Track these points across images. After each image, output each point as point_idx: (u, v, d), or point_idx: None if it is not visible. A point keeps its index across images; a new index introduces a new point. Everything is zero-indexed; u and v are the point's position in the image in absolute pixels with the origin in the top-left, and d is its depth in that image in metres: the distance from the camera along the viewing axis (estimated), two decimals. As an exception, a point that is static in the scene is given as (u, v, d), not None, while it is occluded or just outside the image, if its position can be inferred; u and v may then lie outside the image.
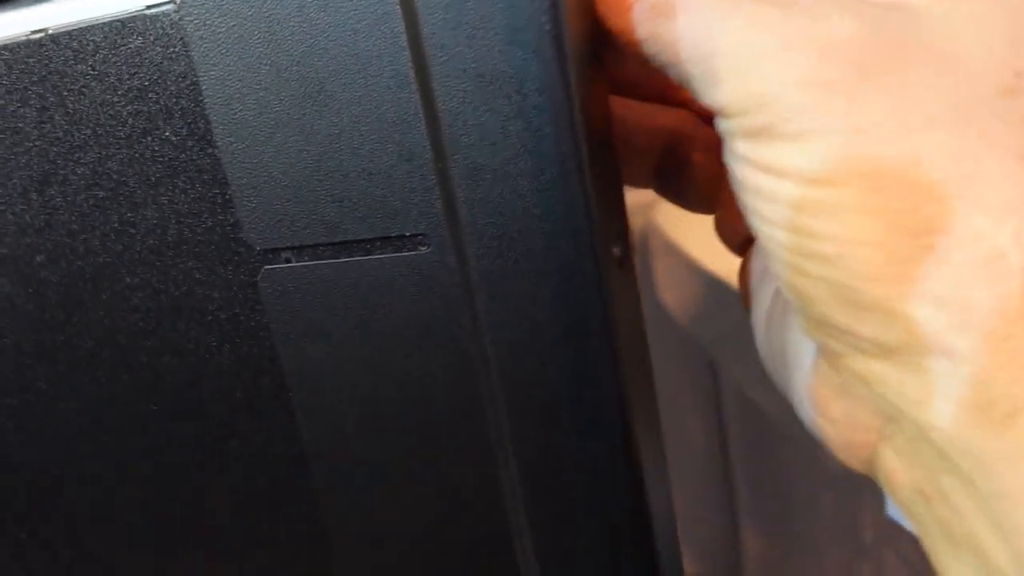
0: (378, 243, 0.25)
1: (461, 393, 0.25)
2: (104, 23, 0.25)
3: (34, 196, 0.27)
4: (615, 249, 0.22)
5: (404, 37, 0.22)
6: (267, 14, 0.23)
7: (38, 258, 0.28)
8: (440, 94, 0.22)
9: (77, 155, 0.26)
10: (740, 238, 0.28)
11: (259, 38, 0.23)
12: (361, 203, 0.24)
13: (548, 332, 0.23)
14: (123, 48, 0.25)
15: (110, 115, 0.26)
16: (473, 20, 0.21)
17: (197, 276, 0.27)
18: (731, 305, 0.53)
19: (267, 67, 0.24)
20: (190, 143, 0.25)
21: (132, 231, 0.27)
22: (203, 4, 0.23)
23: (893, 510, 0.45)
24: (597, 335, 0.22)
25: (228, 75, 0.24)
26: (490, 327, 0.24)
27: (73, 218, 0.27)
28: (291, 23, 0.23)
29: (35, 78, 0.26)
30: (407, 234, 0.24)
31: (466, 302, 0.24)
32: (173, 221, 0.26)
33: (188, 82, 0.25)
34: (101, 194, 0.27)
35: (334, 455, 0.27)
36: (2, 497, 0.31)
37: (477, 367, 0.25)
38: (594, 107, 0.22)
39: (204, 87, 0.24)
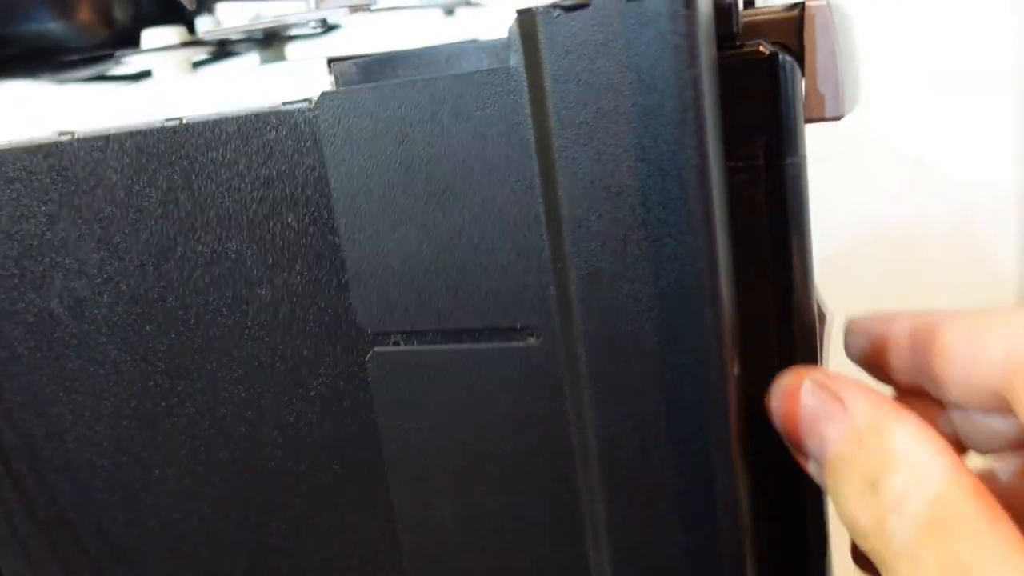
0: (487, 333, 0.26)
1: (559, 485, 0.26)
2: (239, 116, 0.26)
3: (151, 270, 0.29)
4: (734, 368, 0.23)
5: (532, 146, 0.23)
6: (400, 117, 0.24)
7: (148, 327, 0.29)
8: (565, 201, 0.23)
9: (198, 234, 0.28)
10: None
11: (391, 138, 0.25)
12: (474, 294, 0.25)
13: (656, 435, 0.24)
14: (255, 140, 0.26)
15: (235, 200, 0.27)
16: (604, 136, 0.22)
17: (305, 353, 0.28)
18: None
19: (395, 165, 0.25)
20: (312, 230, 0.27)
21: (244, 307, 0.28)
22: (338, 104, 0.25)
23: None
24: (713, 446, 0.23)
25: (357, 170, 0.25)
26: (595, 423, 0.25)
27: (187, 292, 0.28)
28: (423, 127, 0.24)
29: (164, 162, 0.27)
30: (517, 326, 0.25)
31: (572, 396, 0.25)
32: (286, 301, 0.28)
33: (316, 174, 0.26)
34: (217, 271, 0.28)
35: (427, 535, 0.28)
36: (92, 563, 0.32)
37: (577, 461, 0.26)
38: (724, 213, 0.23)
39: (332, 180, 0.26)
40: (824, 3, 0.23)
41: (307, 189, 0.26)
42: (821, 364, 0.28)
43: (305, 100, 0.25)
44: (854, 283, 0.65)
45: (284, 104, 0.26)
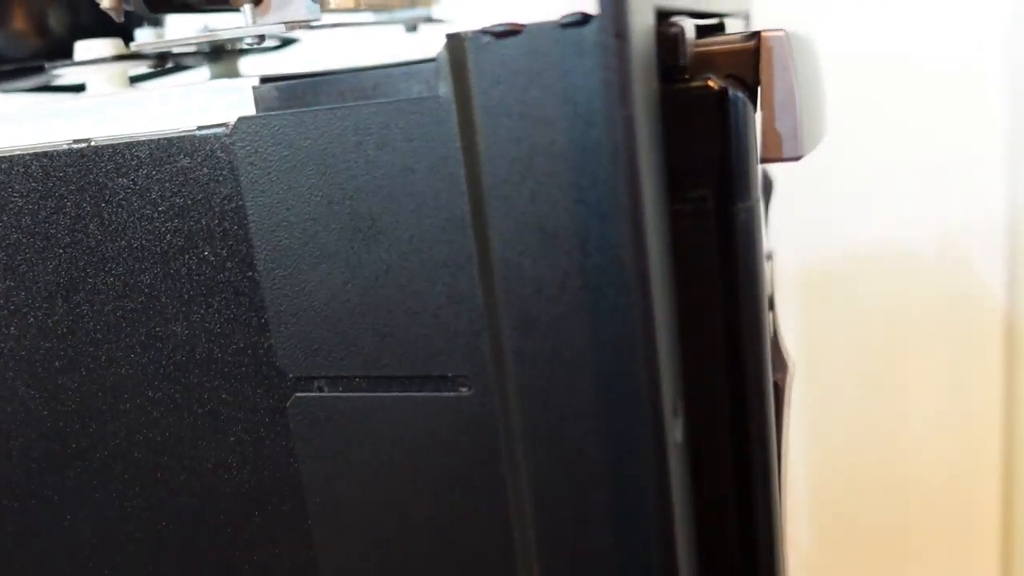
0: (417, 381, 0.24)
1: (491, 541, 0.24)
2: (151, 140, 0.24)
3: (59, 302, 0.26)
4: (674, 413, 0.21)
5: (463, 183, 0.22)
6: (322, 147, 0.22)
7: (57, 363, 0.27)
8: (496, 243, 0.21)
9: (109, 266, 0.26)
10: None
11: (312, 169, 0.23)
12: (403, 340, 0.23)
13: (593, 495, 0.22)
14: (168, 166, 0.24)
15: (148, 230, 0.25)
16: (539, 175, 0.20)
17: (223, 396, 0.26)
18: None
19: (317, 198, 0.23)
20: (229, 264, 0.25)
21: (159, 345, 0.26)
22: (256, 131, 0.23)
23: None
24: (650, 502, 0.21)
25: (276, 202, 0.23)
26: (530, 481, 0.23)
27: (98, 327, 0.26)
28: (346, 157, 0.22)
29: (72, 187, 0.25)
30: (448, 375, 0.23)
31: (507, 449, 0.23)
32: (203, 339, 0.25)
33: (233, 205, 0.24)
34: (130, 306, 0.26)
35: (353, 592, 0.26)
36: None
37: (512, 516, 0.23)
38: (666, 263, 0.21)
39: (250, 212, 0.24)
40: (782, 34, 0.21)
41: (224, 221, 0.24)
42: (781, 417, 0.26)
43: (221, 125, 0.23)
44: (841, 305, 0.64)
45: (199, 129, 0.24)
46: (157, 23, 0.42)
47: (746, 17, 0.47)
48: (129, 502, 0.28)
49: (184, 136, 0.24)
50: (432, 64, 0.21)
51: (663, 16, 0.21)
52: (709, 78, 0.20)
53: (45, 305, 0.27)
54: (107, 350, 0.27)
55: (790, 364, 0.27)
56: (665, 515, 0.20)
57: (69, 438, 0.28)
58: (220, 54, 0.40)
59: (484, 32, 0.20)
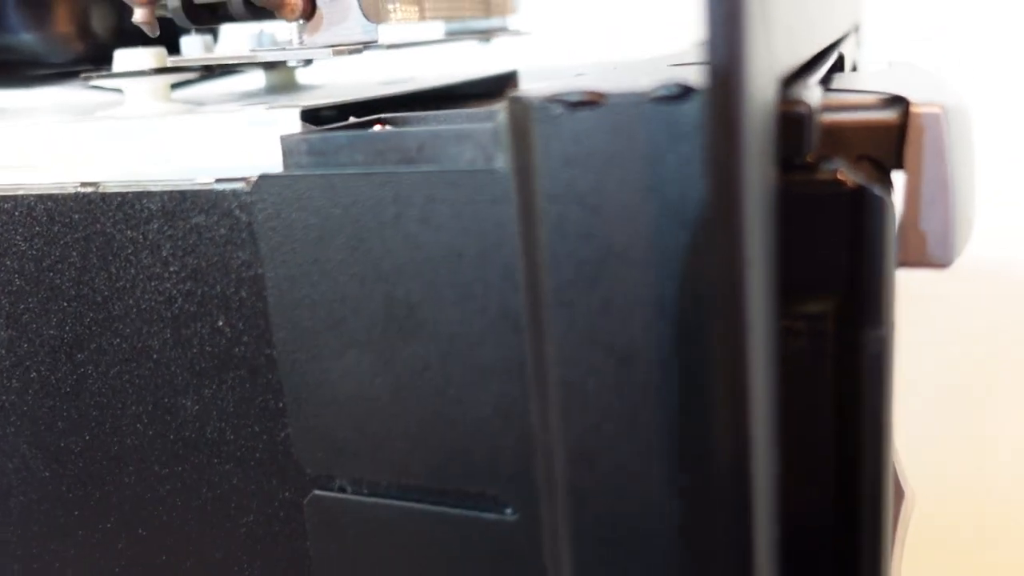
0: (453, 495, 0.20)
1: None
2: (164, 192, 0.21)
3: (64, 358, 0.23)
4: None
5: (520, 278, 0.17)
6: (355, 217, 0.19)
7: (60, 424, 0.24)
8: (555, 356, 0.17)
9: (116, 325, 0.22)
10: None
11: (342, 242, 0.19)
12: (439, 448, 0.20)
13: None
14: (182, 222, 0.21)
15: (158, 290, 0.22)
16: (613, 282, 0.16)
17: (235, 482, 0.23)
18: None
19: (347, 275, 0.19)
20: (245, 338, 0.21)
21: (167, 418, 0.23)
22: (279, 191, 0.19)
23: None
24: None
25: (299, 275, 0.20)
26: (580, 631, 0.19)
27: (104, 390, 0.23)
28: (383, 232, 0.19)
29: (79, 235, 0.22)
30: (491, 493, 0.20)
31: (553, 589, 0.19)
32: (215, 417, 0.22)
33: (252, 272, 0.20)
34: (137, 372, 0.23)
35: None
36: None
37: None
38: (764, 404, 0.17)
39: (270, 283, 0.20)
40: (938, 111, 0.17)
41: (241, 289, 0.21)
42: (895, 556, 0.21)
43: (241, 180, 0.20)
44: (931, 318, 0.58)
45: (217, 182, 0.20)
46: (209, 28, 0.38)
47: (856, 30, 0.42)
48: (132, 581, 0.25)
49: (200, 190, 0.20)
50: (490, 127, 0.17)
51: (784, 83, 0.16)
52: (838, 169, 0.16)
53: (49, 360, 0.24)
54: (112, 416, 0.23)
55: (908, 492, 0.22)
56: None
57: (72, 504, 0.25)
58: (275, 63, 0.37)
59: (556, 99, 0.16)
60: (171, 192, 0.21)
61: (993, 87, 0.55)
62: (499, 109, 0.17)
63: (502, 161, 0.17)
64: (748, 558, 0.16)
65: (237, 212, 0.20)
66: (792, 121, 0.15)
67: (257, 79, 0.40)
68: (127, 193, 0.21)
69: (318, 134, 0.19)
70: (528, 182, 0.16)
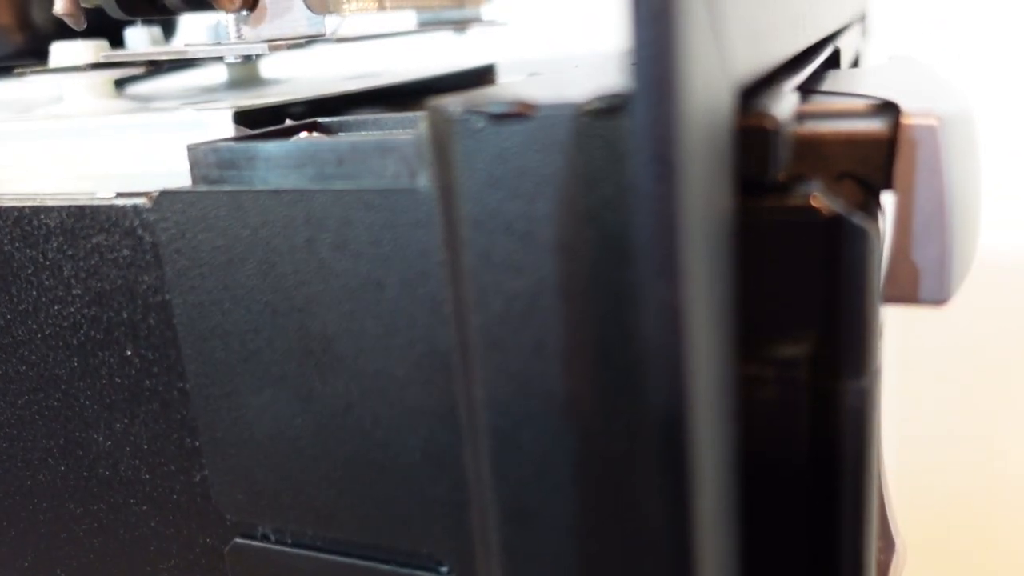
0: (383, 549, 0.18)
1: None
2: (61, 207, 0.18)
3: (-31, 386, 0.21)
4: None
5: (447, 309, 0.15)
6: (266, 240, 0.16)
7: (-29, 455, 0.22)
8: (486, 403, 0.15)
9: (21, 351, 0.20)
10: None
11: (252, 267, 0.17)
12: (366, 498, 0.17)
13: None
14: (82, 241, 0.18)
15: (62, 315, 0.19)
16: (547, 321, 0.14)
17: (153, 524, 0.20)
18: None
19: (259, 305, 0.17)
20: (155, 370, 0.19)
21: (80, 453, 0.21)
22: (183, 209, 0.17)
23: None
24: None
25: (208, 302, 0.17)
26: None
27: (12, 421, 0.21)
28: (295, 257, 0.16)
29: (-24, 253, 0.20)
30: (423, 551, 0.17)
31: (493, 659, 0.17)
32: (128, 454, 0.20)
33: (159, 298, 0.18)
34: (46, 403, 0.21)
35: None
36: None
37: None
38: (727, 459, 0.14)
39: (177, 310, 0.18)
40: (934, 123, 0.14)
41: (149, 316, 0.18)
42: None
43: (143, 195, 0.18)
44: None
45: (118, 196, 0.18)
46: (163, 20, 0.36)
47: (862, 19, 0.39)
48: (51, 625, 0.23)
49: (100, 206, 0.18)
50: (412, 139, 0.15)
51: (749, 91, 0.14)
52: (812, 194, 0.13)
53: (-46, 387, 0.22)
54: (23, 449, 0.21)
55: (899, 544, 0.20)
56: None
57: (-12, 541, 0.23)
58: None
59: (477, 111, 0.13)
60: (69, 208, 0.18)
61: (996, 79, 0.52)
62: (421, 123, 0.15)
63: (425, 179, 0.15)
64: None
65: (140, 231, 0.18)
66: (755, 136, 0.13)
67: (220, 72, 0.37)
68: (24, 208, 0.19)
69: (227, 143, 0.17)
70: (451, 205, 0.14)
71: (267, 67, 0.37)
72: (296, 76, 0.37)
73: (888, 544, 0.20)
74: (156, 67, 0.31)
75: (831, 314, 0.14)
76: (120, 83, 0.30)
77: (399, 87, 0.27)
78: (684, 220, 0.10)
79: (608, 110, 0.12)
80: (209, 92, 0.31)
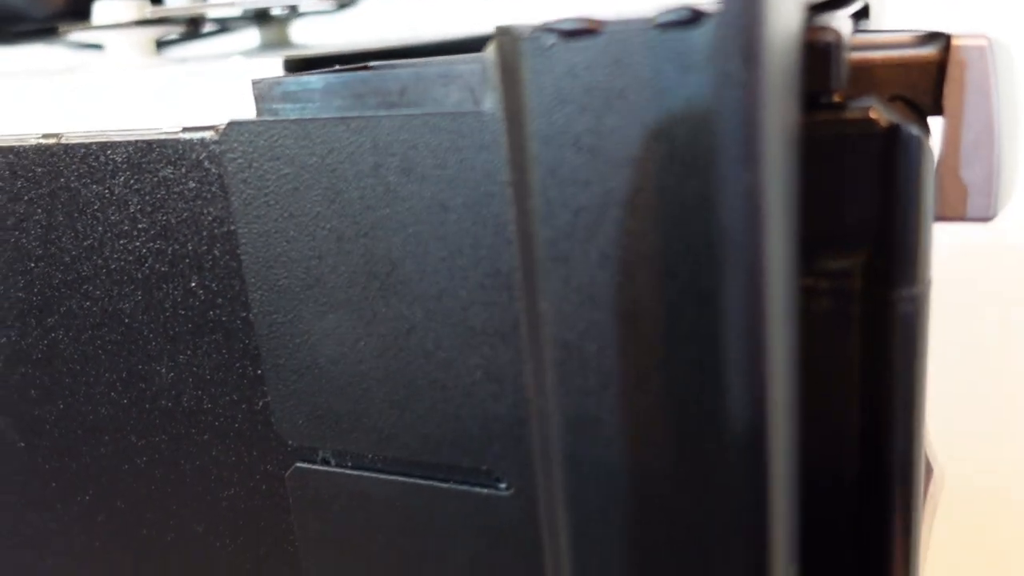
0: (443, 469, 0.19)
1: None
2: (129, 142, 0.19)
3: (33, 323, 0.22)
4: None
5: (512, 231, 0.16)
6: (331, 167, 0.17)
7: (33, 392, 0.23)
8: (551, 316, 0.15)
9: (85, 287, 0.21)
10: None
11: (318, 194, 0.17)
12: (426, 418, 0.18)
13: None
14: (149, 176, 0.19)
15: (127, 250, 0.20)
16: (613, 234, 0.14)
17: (213, 453, 0.21)
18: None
19: (324, 231, 0.18)
20: (220, 300, 0.20)
21: (142, 386, 0.21)
22: (250, 140, 0.18)
23: None
24: None
25: (274, 231, 0.18)
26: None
27: (75, 357, 0.22)
28: (361, 183, 0.17)
29: (43, 191, 0.20)
30: (483, 467, 0.18)
31: (550, 570, 0.18)
32: (191, 385, 0.21)
33: (224, 229, 0.19)
34: (109, 337, 0.21)
35: None
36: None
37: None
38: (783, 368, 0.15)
39: (243, 240, 0.18)
40: (984, 43, 0.15)
41: (214, 247, 0.19)
42: (923, 535, 0.19)
43: (210, 128, 0.18)
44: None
45: (184, 131, 0.19)
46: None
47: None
48: (112, 556, 0.24)
49: (167, 140, 0.19)
50: (478, 66, 0.16)
51: (812, 8, 0.15)
52: (870, 107, 0.14)
53: (18, 324, 0.22)
54: (85, 384, 0.22)
55: (937, 470, 0.20)
56: None
57: (48, 476, 0.24)
58: (266, 18, 0.35)
59: (547, 29, 0.14)
60: (136, 143, 0.19)
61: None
62: (489, 47, 0.15)
63: (491, 102, 0.15)
64: (763, 530, 0.14)
65: (207, 163, 0.18)
66: (819, 52, 0.14)
67: (251, 38, 0.38)
68: (90, 144, 0.19)
69: (292, 77, 0.18)
70: (518, 124, 0.15)
71: (297, 35, 0.37)
72: (324, 43, 0.37)
73: (928, 470, 0.20)
74: (195, 29, 0.32)
75: (885, 225, 0.14)
76: (158, 46, 0.30)
77: (435, 44, 0.28)
78: (768, 126, 0.11)
79: (681, 22, 0.13)
80: (246, 53, 0.31)
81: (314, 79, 0.17)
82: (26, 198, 0.21)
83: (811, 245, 0.15)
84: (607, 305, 0.15)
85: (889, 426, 0.15)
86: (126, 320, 0.21)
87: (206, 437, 0.21)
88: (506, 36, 0.14)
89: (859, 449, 0.15)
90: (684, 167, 0.14)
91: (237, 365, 0.20)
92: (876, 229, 0.14)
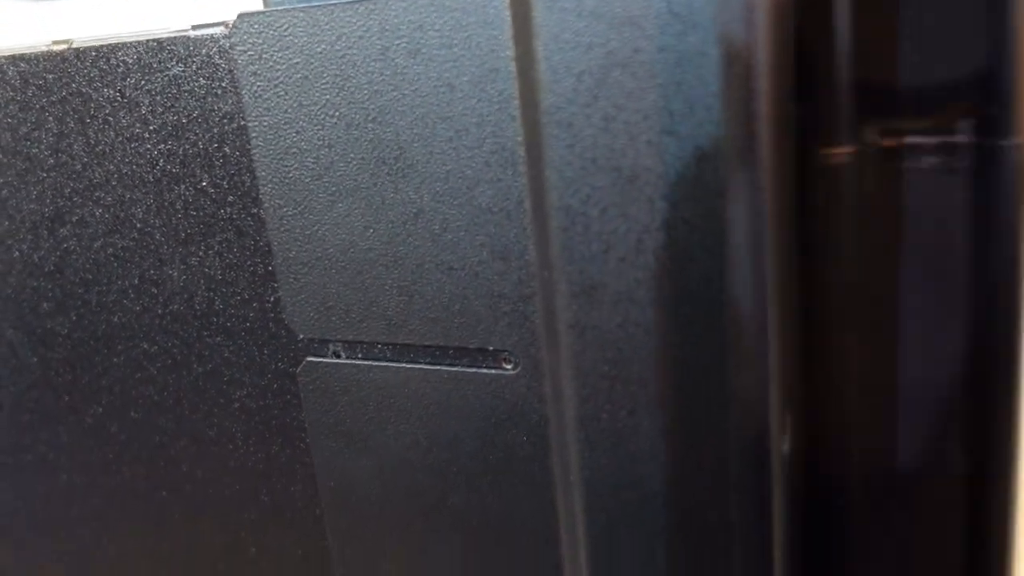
0: (451, 352, 0.19)
1: (531, 553, 0.20)
2: (139, 42, 0.20)
3: (44, 233, 0.23)
4: (781, 428, 0.16)
5: (516, 104, 0.17)
6: (340, 53, 0.18)
7: (45, 305, 0.24)
8: (556, 184, 0.16)
9: (97, 194, 0.22)
10: None
11: (327, 82, 0.18)
12: (434, 302, 0.19)
13: (662, 508, 0.17)
14: (159, 74, 0.20)
15: (138, 152, 0.21)
16: (615, 96, 0.15)
17: (226, 355, 0.22)
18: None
19: (334, 119, 0.18)
20: (231, 198, 0.20)
21: (154, 291, 0.22)
22: (259, 32, 0.18)
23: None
24: (749, 535, 0.16)
25: (284, 123, 0.19)
26: (585, 480, 0.18)
27: (87, 266, 0.22)
28: (369, 68, 0.18)
29: (54, 98, 0.21)
30: (489, 348, 0.19)
31: (558, 443, 0.19)
32: (202, 286, 0.21)
33: (235, 125, 0.19)
34: (121, 243, 0.22)
35: (369, 593, 0.22)
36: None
37: (559, 522, 0.19)
38: (790, 225, 0.16)
39: (253, 134, 0.19)
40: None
41: (224, 144, 0.20)
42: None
43: (219, 24, 0.19)
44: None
45: (194, 28, 0.19)
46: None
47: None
48: (126, 466, 0.24)
49: (177, 38, 0.19)
50: (481, -55, 0.16)
51: None
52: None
53: (30, 237, 0.23)
54: (97, 293, 0.23)
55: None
56: (766, 551, 0.16)
57: (61, 389, 0.24)
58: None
59: None
60: (147, 42, 0.19)
61: None
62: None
63: (494, -22, 0.16)
64: (759, 384, 0.15)
65: (217, 59, 0.19)
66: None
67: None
68: (101, 47, 0.20)
69: (299, -32, 0.18)
70: (522, -6, 0.15)
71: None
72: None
73: None
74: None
75: (992, 82, 0.15)
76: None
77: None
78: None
79: None
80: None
81: (321, -30, 0.18)
82: (38, 106, 0.21)
83: (917, 102, 0.15)
84: (608, 166, 0.16)
85: (993, 274, 0.15)
86: (138, 225, 0.21)
87: (218, 339, 0.22)
88: (509, -93, 0.15)
89: (965, 308, 0.16)
90: (682, 23, 0.14)
91: (248, 263, 0.21)
92: (984, 85, 0.15)
